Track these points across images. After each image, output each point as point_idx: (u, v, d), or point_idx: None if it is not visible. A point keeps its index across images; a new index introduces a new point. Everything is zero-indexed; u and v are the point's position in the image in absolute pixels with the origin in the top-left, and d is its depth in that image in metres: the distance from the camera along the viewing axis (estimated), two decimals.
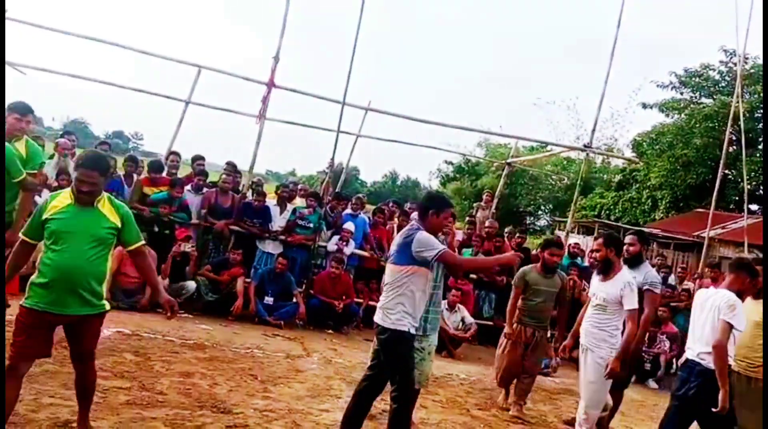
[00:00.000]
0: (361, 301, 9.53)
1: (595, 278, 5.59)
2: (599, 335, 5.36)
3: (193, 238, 9.04)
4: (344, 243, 9.52)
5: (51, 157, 9.38)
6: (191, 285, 8.59)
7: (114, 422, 4.40)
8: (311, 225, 9.53)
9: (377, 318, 4.44)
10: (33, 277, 3.74)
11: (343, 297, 9.07)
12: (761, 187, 23.44)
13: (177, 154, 10.14)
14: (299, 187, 11.46)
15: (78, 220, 3.72)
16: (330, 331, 8.95)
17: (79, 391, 4.06)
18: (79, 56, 53.46)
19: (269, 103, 9.53)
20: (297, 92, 9.99)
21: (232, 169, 9.81)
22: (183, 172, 10.30)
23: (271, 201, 9.95)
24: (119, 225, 3.84)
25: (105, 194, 3.87)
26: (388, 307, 4.34)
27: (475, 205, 14.62)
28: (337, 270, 9.01)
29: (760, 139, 22.87)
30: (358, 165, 54.86)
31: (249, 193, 9.85)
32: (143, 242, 4.10)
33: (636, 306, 5.26)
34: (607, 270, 5.41)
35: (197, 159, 10.10)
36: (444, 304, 9.01)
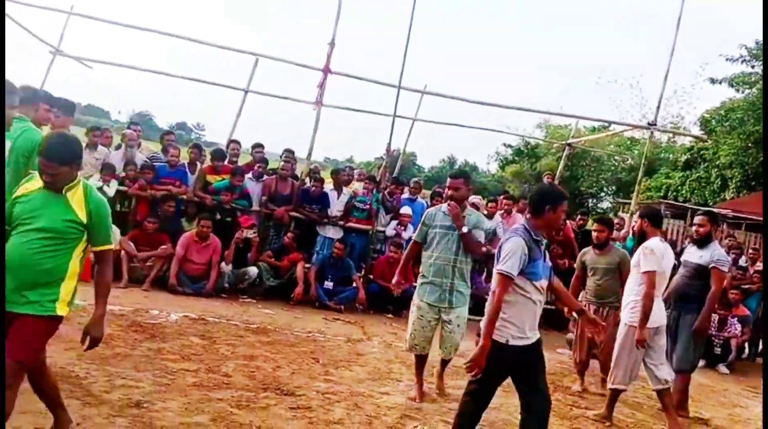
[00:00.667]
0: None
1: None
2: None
3: (257, 224, 9.21)
4: (402, 227, 9.53)
5: (118, 147, 9.71)
6: (253, 270, 8.77)
7: (182, 403, 4.54)
8: (367, 207, 9.58)
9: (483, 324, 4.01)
10: None
11: (393, 280, 9.07)
12: None
13: (237, 142, 10.34)
14: (356, 171, 11.52)
15: (39, 207, 3.29)
16: (389, 316, 9.00)
17: None
18: (143, 50, 54.84)
19: (326, 90, 9.60)
20: (353, 77, 10.02)
21: (290, 156, 9.92)
22: (243, 160, 10.49)
23: (328, 186, 10.04)
24: (85, 220, 3.33)
25: (83, 183, 3.41)
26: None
27: None
28: (395, 254, 9.02)
29: None
30: (416, 150, 54.69)
31: (307, 180, 9.96)
32: (110, 246, 3.51)
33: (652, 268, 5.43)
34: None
35: (256, 146, 10.27)
36: None
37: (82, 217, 3.32)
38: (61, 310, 3.32)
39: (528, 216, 4.07)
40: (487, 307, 3.89)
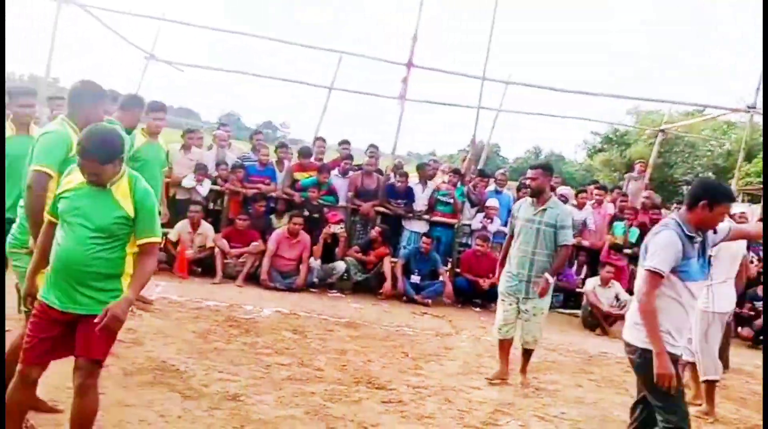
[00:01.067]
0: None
1: None
2: None
3: (345, 221, 9.32)
4: (489, 220, 9.42)
5: (209, 148, 10.05)
6: (341, 265, 8.88)
7: (277, 396, 4.65)
8: (452, 200, 9.52)
9: (625, 334, 3.68)
10: None
11: (490, 275, 8.98)
12: None
13: (323, 139, 10.49)
14: (442, 165, 11.47)
15: (85, 204, 3.12)
16: (477, 310, 8.91)
17: (72, 421, 3.19)
18: (229, 51, 56.54)
19: (409, 84, 9.60)
20: (436, 71, 9.98)
21: (375, 151, 9.98)
22: (329, 157, 10.63)
23: (413, 180, 10.03)
24: (131, 214, 3.15)
25: (128, 174, 3.23)
26: (638, 321, 3.52)
27: (626, 176, 13.92)
28: (482, 247, 8.93)
29: None
30: (499, 141, 53.90)
31: (392, 175, 9.99)
32: (156, 239, 3.29)
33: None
34: None
35: (342, 143, 10.38)
36: (596, 280, 8.71)
37: (129, 210, 3.15)
38: None
39: (682, 209, 3.62)
40: (637, 309, 3.52)
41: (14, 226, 3.83)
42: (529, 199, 5.76)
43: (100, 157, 3.06)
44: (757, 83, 9.98)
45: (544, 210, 5.58)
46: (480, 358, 6.41)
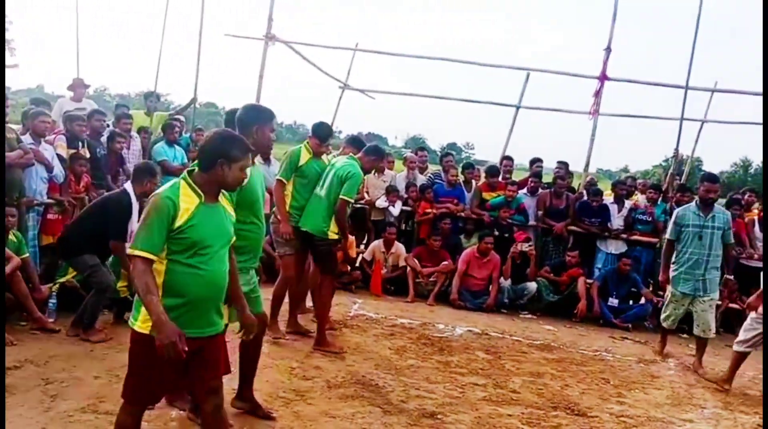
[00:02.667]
0: (720, 302, 8.61)
1: None
2: None
3: (532, 239, 9.13)
4: None
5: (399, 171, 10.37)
6: (532, 286, 8.67)
7: (474, 417, 4.62)
8: (651, 219, 8.95)
9: None
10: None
11: None
12: None
13: (510, 158, 10.37)
14: (638, 182, 10.85)
15: (212, 223, 3.07)
16: (685, 336, 8.23)
17: None
18: (416, 76, 58.20)
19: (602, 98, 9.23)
20: (632, 82, 9.50)
21: (565, 168, 9.68)
22: (518, 175, 10.50)
23: (607, 199, 9.58)
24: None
25: None
26: None
27: None
28: None
29: None
30: (702, 154, 49.95)
31: (584, 193, 9.62)
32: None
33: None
34: None
35: (535, 161, 10.21)
36: None
37: (233, 213, 3.28)
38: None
39: None
40: None
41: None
42: (693, 207, 6.64)
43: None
44: None
45: (713, 216, 6.47)
46: (691, 389, 5.92)
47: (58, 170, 6.85)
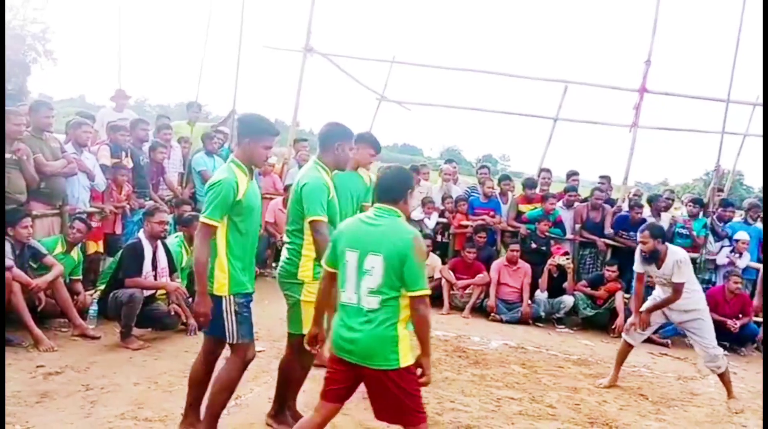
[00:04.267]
0: (760, 320, 8.40)
1: None
2: None
3: (570, 252, 9.03)
4: (737, 255, 8.52)
5: (434, 181, 10.36)
6: (569, 299, 8.56)
7: None
8: (691, 234, 8.77)
9: None
10: None
11: (740, 315, 8.10)
12: None
13: (548, 170, 10.29)
14: (676, 197, 10.65)
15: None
16: (725, 353, 8.02)
17: None
18: (451, 88, 58.18)
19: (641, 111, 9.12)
20: (673, 95, 9.37)
21: (607, 182, 9.56)
22: (555, 188, 10.40)
23: (645, 213, 9.43)
24: None
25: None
26: None
27: None
28: (736, 285, 8.09)
29: None
30: (743, 168, 48.84)
31: (624, 206, 9.49)
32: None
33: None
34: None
35: (571, 175, 10.12)
36: None
37: None
38: None
39: None
40: None
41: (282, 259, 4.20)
42: None
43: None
44: None
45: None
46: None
47: (100, 179, 7.02)
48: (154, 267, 5.97)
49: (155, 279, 5.97)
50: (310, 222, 3.93)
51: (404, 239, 3.11)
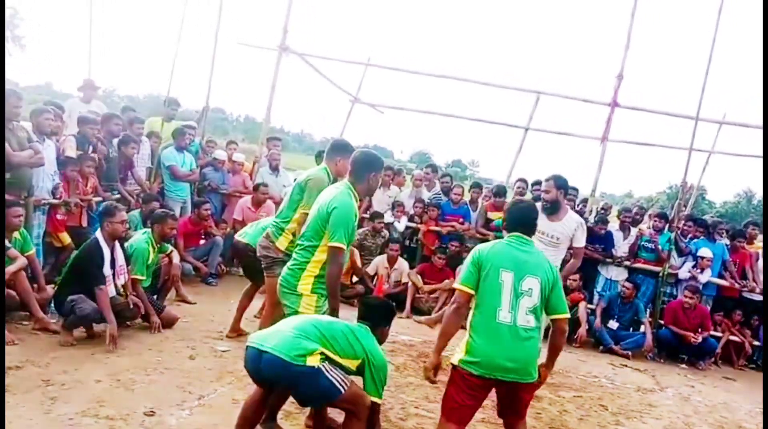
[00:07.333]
0: (720, 334, 8.61)
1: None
2: None
3: None
4: (699, 271, 8.71)
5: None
6: None
7: None
8: (656, 248, 8.92)
9: None
10: None
11: (699, 329, 8.28)
12: None
13: (524, 180, 10.36)
14: (648, 211, 10.84)
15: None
16: (683, 366, 8.22)
17: None
18: (424, 92, 58.47)
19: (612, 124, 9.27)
20: (643, 110, 9.53)
21: (572, 193, 9.65)
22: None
23: (613, 226, 9.57)
24: None
25: None
26: None
27: None
28: (691, 300, 8.27)
29: None
30: (706, 184, 49.87)
31: (591, 217, 9.62)
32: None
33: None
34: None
35: (536, 184, 10.19)
36: None
37: None
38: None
39: None
40: None
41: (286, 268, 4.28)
42: None
43: None
44: None
45: None
46: (689, 419, 5.92)
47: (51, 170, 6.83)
48: (113, 266, 5.82)
49: (114, 278, 5.80)
50: (332, 247, 4.02)
51: (553, 268, 3.60)
